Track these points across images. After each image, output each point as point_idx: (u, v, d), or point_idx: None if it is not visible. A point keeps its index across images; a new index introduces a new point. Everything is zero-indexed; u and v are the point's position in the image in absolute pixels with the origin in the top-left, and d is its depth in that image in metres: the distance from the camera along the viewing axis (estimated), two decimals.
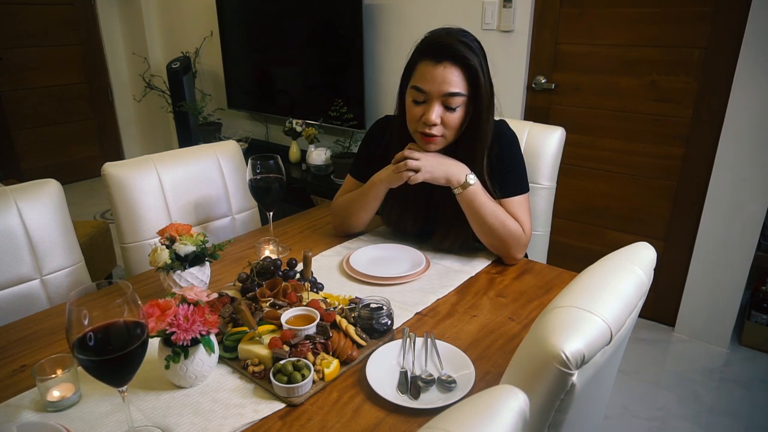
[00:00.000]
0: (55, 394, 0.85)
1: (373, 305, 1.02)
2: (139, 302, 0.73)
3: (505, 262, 1.33)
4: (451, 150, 1.31)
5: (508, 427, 0.48)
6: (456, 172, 1.24)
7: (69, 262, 1.32)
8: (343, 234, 1.48)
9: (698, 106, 2.16)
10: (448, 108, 1.20)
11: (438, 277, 1.26)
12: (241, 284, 1.14)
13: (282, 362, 0.87)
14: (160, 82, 4.16)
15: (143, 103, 4.54)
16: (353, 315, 1.01)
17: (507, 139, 1.32)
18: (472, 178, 1.24)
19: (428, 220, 1.39)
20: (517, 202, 1.30)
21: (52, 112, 4.32)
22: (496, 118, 1.34)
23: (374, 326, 0.99)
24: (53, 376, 0.86)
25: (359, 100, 2.94)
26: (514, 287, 1.22)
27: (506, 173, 1.30)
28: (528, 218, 1.32)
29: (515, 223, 1.27)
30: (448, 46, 1.17)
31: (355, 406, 0.85)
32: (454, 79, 1.18)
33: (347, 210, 1.42)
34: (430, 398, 0.86)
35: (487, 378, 0.92)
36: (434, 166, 1.24)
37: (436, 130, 1.23)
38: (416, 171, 1.23)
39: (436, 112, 1.20)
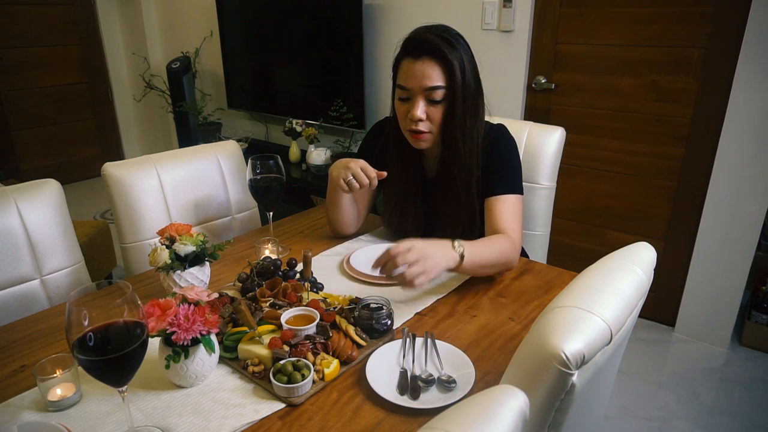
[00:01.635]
0: (56, 393, 0.85)
1: (373, 305, 1.02)
2: (139, 302, 0.73)
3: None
4: (437, 149, 1.31)
5: (508, 427, 0.48)
6: (446, 255, 1.08)
7: (69, 262, 1.32)
8: (337, 234, 1.47)
9: (698, 106, 2.16)
10: (432, 102, 1.21)
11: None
12: (241, 284, 1.14)
13: (282, 362, 0.87)
14: (160, 82, 4.16)
15: (143, 103, 4.54)
16: (353, 315, 1.01)
17: (502, 140, 1.31)
18: (459, 247, 1.11)
19: (428, 222, 1.39)
20: (507, 202, 1.26)
21: (52, 112, 4.32)
22: (494, 121, 1.34)
23: (374, 326, 0.99)
24: (54, 375, 0.86)
25: (359, 100, 2.94)
26: (514, 287, 1.22)
27: (497, 171, 1.28)
28: (517, 222, 1.26)
29: (507, 242, 1.20)
30: (425, 41, 1.18)
31: (355, 406, 0.85)
32: (433, 73, 1.18)
33: (328, 208, 1.43)
34: (430, 398, 0.86)
35: (487, 378, 0.92)
36: (429, 263, 1.04)
37: (423, 126, 1.23)
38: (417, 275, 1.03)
39: (420, 108, 1.21)
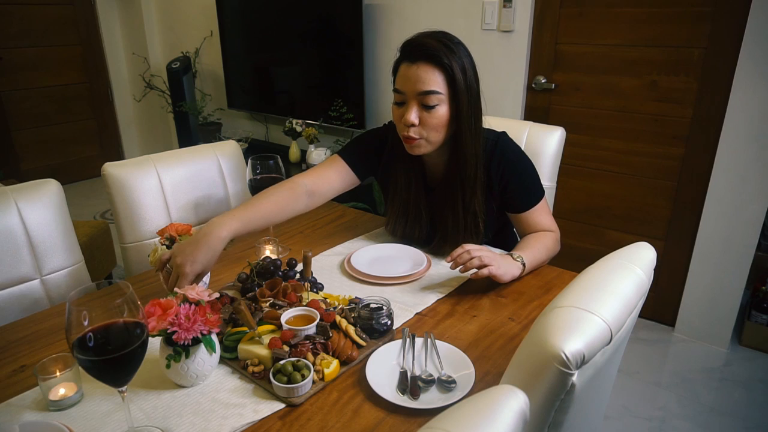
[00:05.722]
0: (57, 392, 0.85)
1: (373, 305, 1.02)
2: (139, 302, 0.73)
3: None
4: (441, 158, 1.30)
5: (508, 427, 0.48)
6: (512, 265, 1.20)
7: (69, 262, 1.32)
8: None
9: (698, 106, 2.16)
10: (426, 108, 1.19)
11: (438, 277, 1.26)
12: (241, 284, 1.14)
13: (282, 362, 0.87)
14: (160, 82, 4.17)
15: (143, 103, 4.54)
16: (353, 315, 1.01)
17: (509, 152, 1.30)
18: (518, 258, 1.22)
19: (433, 225, 1.38)
20: (537, 209, 1.31)
21: (52, 112, 4.32)
22: (494, 121, 1.33)
23: (374, 326, 0.99)
24: (55, 375, 0.86)
25: (359, 100, 2.94)
26: (514, 287, 1.22)
27: (519, 188, 1.30)
28: (550, 218, 1.35)
29: (551, 238, 1.31)
30: (422, 45, 1.17)
31: (355, 406, 0.85)
32: (428, 77, 1.16)
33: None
34: (430, 398, 0.86)
35: (487, 378, 0.92)
36: (503, 265, 1.17)
37: (414, 132, 1.21)
38: (484, 265, 1.15)
39: (413, 112, 1.19)
